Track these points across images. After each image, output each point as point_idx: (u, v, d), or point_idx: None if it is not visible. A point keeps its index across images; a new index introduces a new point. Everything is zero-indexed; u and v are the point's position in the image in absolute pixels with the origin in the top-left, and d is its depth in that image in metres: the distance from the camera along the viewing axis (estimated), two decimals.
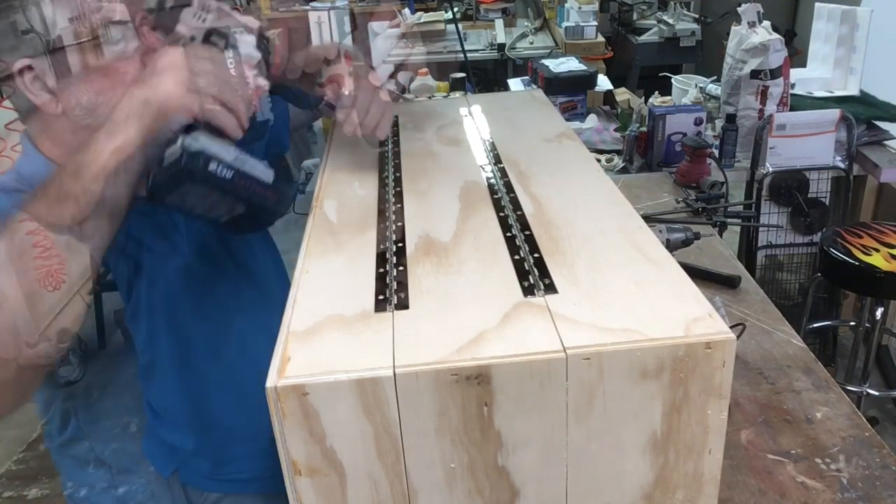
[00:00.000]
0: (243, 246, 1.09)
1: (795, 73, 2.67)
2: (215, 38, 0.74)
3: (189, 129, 0.72)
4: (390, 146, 1.06)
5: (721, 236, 1.98)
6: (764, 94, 2.43)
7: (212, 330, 1.09)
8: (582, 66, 2.89)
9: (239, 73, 0.76)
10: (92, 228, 0.71)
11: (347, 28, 3.52)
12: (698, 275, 1.67)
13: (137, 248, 1.04)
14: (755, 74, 2.41)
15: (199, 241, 1.06)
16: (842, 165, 2.43)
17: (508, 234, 0.78)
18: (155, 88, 0.73)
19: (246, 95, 0.76)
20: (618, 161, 2.50)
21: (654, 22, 4.60)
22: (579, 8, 4.09)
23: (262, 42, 0.82)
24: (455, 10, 4.39)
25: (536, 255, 0.73)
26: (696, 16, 4.62)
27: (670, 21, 4.49)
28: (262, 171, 0.76)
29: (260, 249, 1.10)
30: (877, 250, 1.97)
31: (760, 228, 2.45)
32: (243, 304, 1.09)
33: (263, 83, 0.83)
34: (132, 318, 1.14)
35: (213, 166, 0.71)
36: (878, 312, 2.12)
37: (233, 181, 0.72)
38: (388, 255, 0.75)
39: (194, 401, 1.12)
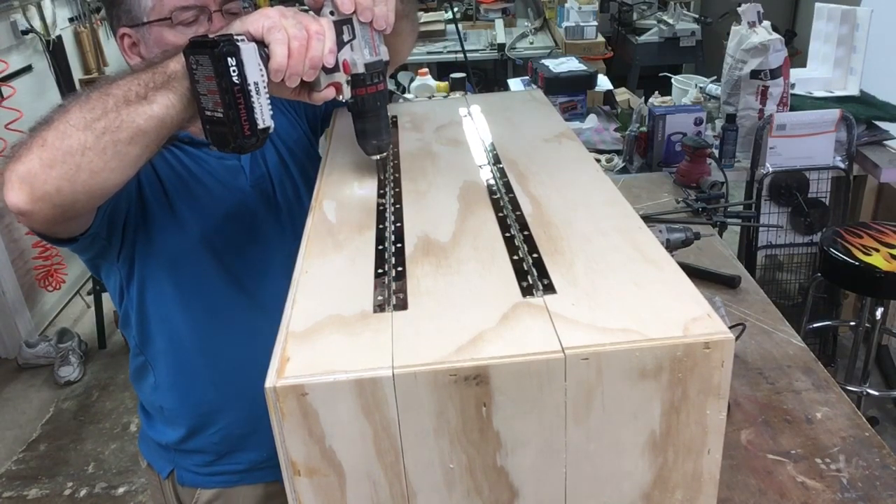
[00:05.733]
0: (230, 247, 1.09)
1: (795, 73, 2.67)
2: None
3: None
4: (389, 147, 1.06)
5: (721, 236, 1.98)
6: (764, 94, 2.43)
7: (202, 329, 1.09)
8: (582, 66, 2.89)
9: (330, 49, 0.81)
10: (162, 101, 0.78)
11: None
12: (698, 275, 1.67)
13: (132, 246, 1.04)
14: (755, 74, 2.41)
15: (186, 242, 1.06)
16: (842, 165, 2.43)
17: (507, 235, 0.78)
18: (249, 15, 0.80)
19: (315, 62, 0.79)
20: (618, 161, 2.50)
21: (654, 22, 4.60)
22: (579, 8, 4.09)
23: (376, 66, 0.85)
24: (455, 10, 4.40)
25: (535, 255, 0.73)
26: (696, 16, 4.63)
27: (670, 21, 4.50)
28: (262, 110, 0.79)
29: (249, 250, 1.10)
30: (877, 250, 1.97)
31: (760, 228, 2.45)
32: (232, 304, 1.09)
33: (344, 91, 0.86)
34: (124, 323, 1.15)
35: (231, 62, 0.75)
36: (878, 312, 2.12)
37: (231, 87, 0.75)
38: (387, 256, 0.75)
39: (188, 399, 1.13)
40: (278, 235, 1.12)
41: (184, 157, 1.07)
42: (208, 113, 0.78)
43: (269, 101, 0.79)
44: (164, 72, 0.78)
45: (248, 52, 0.76)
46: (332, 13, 0.84)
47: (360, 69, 0.87)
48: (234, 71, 0.75)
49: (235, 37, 0.76)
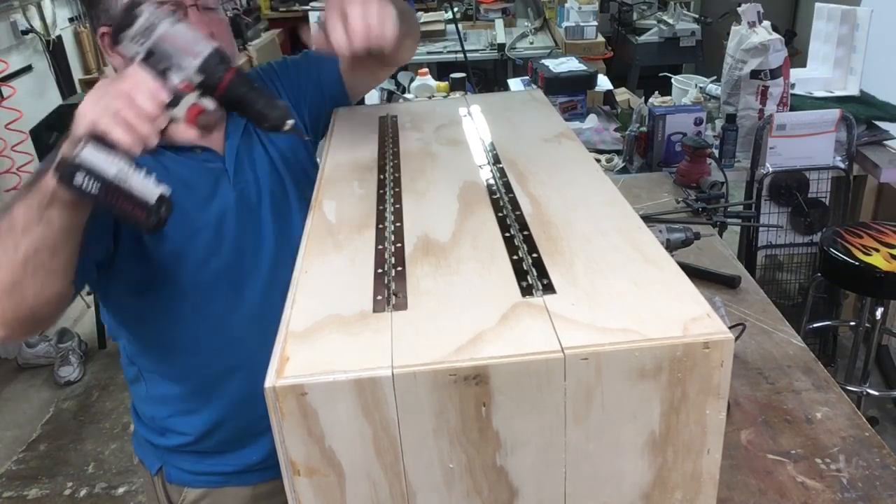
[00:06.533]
0: (211, 254, 1.06)
1: (795, 73, 2.67)
2: (153, 59, 0.75)
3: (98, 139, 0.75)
4: (390, 146, 1.06)
5: (721, 236, 1.98)
6: (764, 94, 2.43)
7: (190, 340, 1.09)
8: (582, 66, 2.89)
9: (154, 92, 0.78)
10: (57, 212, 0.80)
11: None
12: (698, 275, 1.67)
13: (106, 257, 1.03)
14: (755, 74, 2.41)
15: (165, 250, 1.04)
16: (842, 165, 2.43)
17: (507, 235, 0.78)
18: (82, 105, 0.78)
19: (152, 113, 0.77)
20: (618, 161, 2.50)
21: (654, 22, 4.61)
22: (579, 8, 4.09)
23: (209, 64, 0.82)
24: (455, 10, 4.39)
25: (535, 255, 0.73)
26: (696, 16, 4.63)
27: (670, 21, 4.50)
28: (143, 189, 0.76)
29: (232, 256, 1.08)
30: (877, 250, 1.97)
31: (760, 228, 2.45)
32: (220, 311, 1.08)
33: (206, 104, 0.84)
34: (113, 333, 1.16)
35: (78, 178, 0.74)
36: (878, 312, 2.12)
37: (97, 195, 0.74)
38: (386, 256, 0.75)
39: (180, 411, 1.13)
40: (263, 241, 1.09)
41: (169, 162, 1.04)
42: (113, 212, 0.78)
43: (145, 174, 0.77)
44: (45, 192, 0.78)
45: (88, 156, 0.74)
46: (137, 54, 0.82)
47: (199, 77, 0.83)
48: (88, 182, 0.74)
49: (74, 152, 0.74)
